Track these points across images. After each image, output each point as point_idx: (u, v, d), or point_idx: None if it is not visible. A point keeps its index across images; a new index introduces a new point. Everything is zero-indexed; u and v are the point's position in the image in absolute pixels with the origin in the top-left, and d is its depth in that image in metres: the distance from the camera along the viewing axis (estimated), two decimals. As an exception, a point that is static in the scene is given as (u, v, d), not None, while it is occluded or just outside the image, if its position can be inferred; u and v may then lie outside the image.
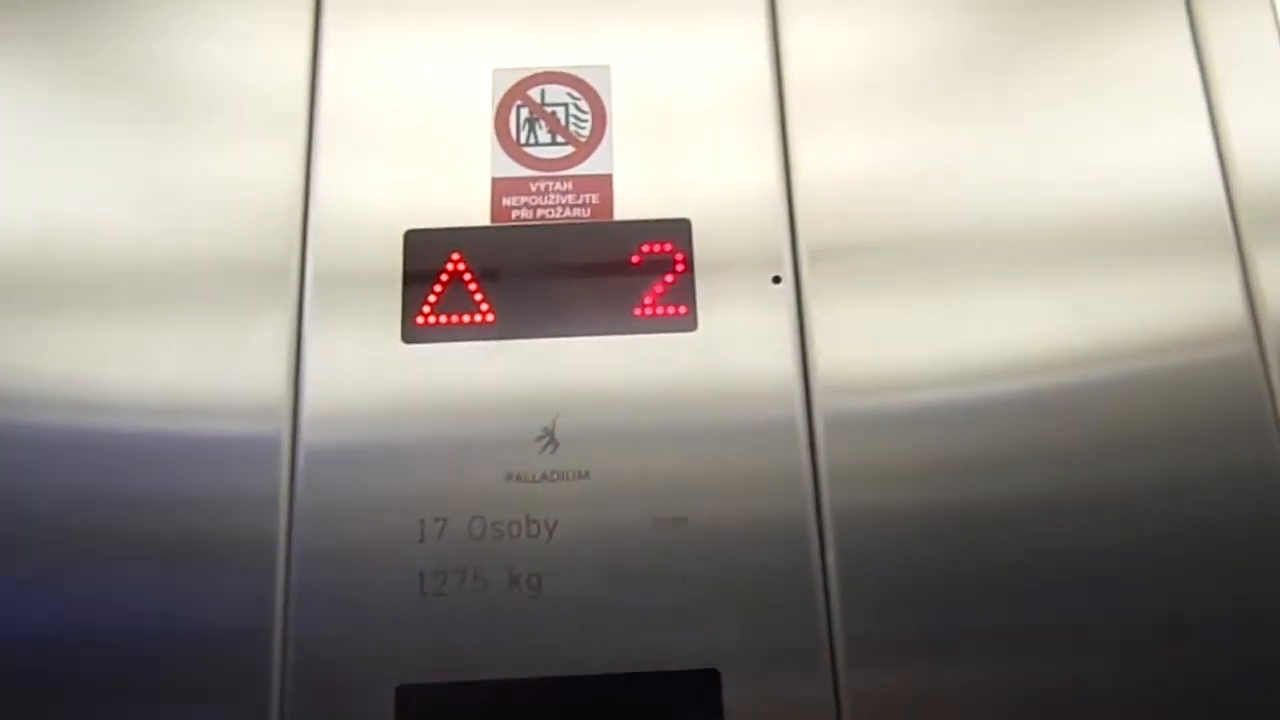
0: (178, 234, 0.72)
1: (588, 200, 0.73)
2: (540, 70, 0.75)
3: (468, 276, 0.71)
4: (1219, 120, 0.76)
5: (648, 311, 0.70)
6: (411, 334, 0.70)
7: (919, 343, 0.70)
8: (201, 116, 0.74)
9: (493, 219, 0.72)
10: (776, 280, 0.71)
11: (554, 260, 0.71)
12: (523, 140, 0.74)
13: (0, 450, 0.67)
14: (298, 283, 0.71)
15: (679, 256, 0.71)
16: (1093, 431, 0.69)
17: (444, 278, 0.71)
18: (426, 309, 0.70)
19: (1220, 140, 0.75)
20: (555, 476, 0.67)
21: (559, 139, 0.74)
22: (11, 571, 0.65)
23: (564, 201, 0.72)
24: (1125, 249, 0.73)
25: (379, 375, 0.69)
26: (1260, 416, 0.69)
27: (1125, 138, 0.75)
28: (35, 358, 0.69)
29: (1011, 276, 0.72)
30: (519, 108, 0.75)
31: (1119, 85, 0.77)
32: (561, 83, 0.75)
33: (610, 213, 0.72)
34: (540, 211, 0.72)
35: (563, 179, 0.73)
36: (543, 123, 0.74)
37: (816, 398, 0.69)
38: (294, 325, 0.70)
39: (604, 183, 0.73)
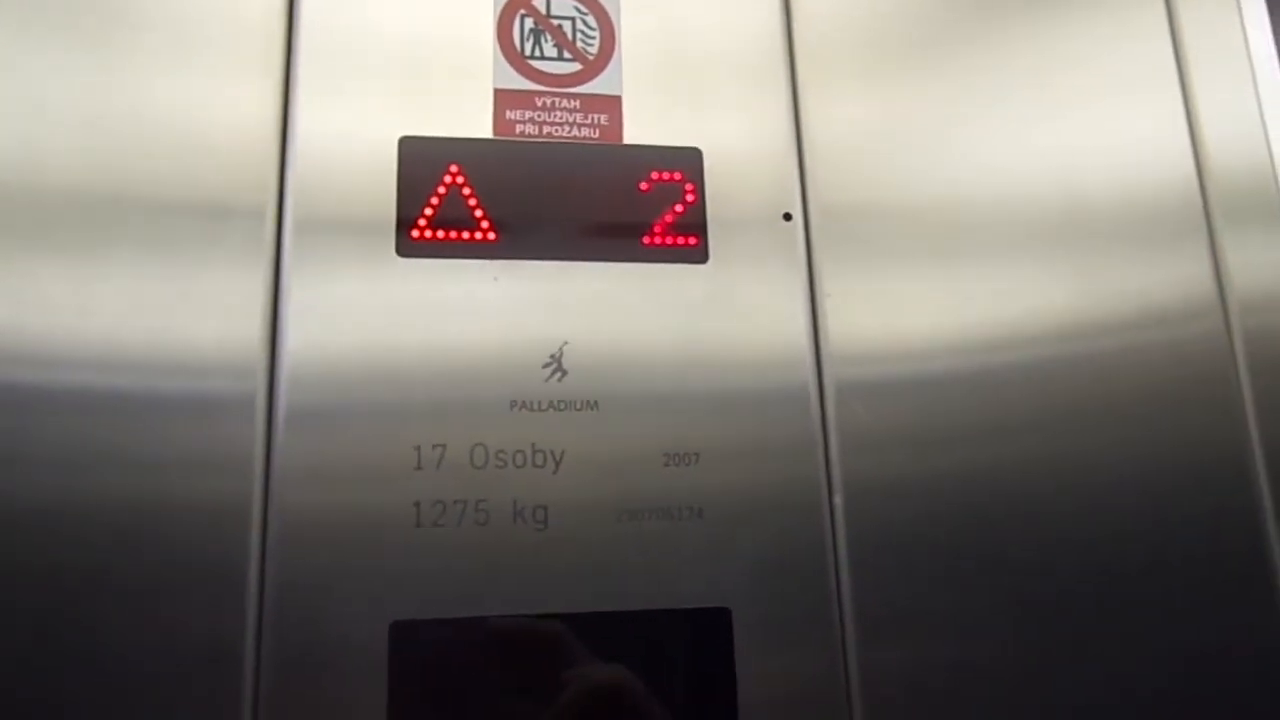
0: (126, 167, 0.63)
1: (596, 120, 0.69)
2: (546, -20, 0.71)
3: (467, 190, 0.66)
4: (1192, 102, 0.79)
5: (658, 240, 0.67)
6: (407, 248, 0.64)
7: (923, 305, 0.70)
8: (163, 39, 0.66)
9: (495, 132, 0.68)
10: (788, 218, 0.70)
11: (560, 180, 0.67)
12: (527, 52, 0.69)
13: None
14: (275, 215, 0.64)
15: (689, 186, 0.69)
16: (1083, 401, 0.70)
17: (441, 190, 0.66)
18: (423, 222, 0.65)
19: (1193, 122, 0.79)
20: (563, 406, 0.63)
21: (566, 54, 0.70)
22: None
23: (571, 120, 0.69)
24: (1109, 224, 0.75)
25: (372, 300, 0.63)
26: (1225, 390, 0.73)
27: (1108, 115, 0.77)
28: None
29: (1008, 245, 0.73)
30: (523, 17, 0.70)
31: (1102, 63, 0.79)
32: (568, -5, 0.71)
33: (620, 136, 0.69)
34: (546, 129, 0.68)
35: (570, 96, 0.69)
36: (548, 35, 0.70)
37: (825, 340, 0.68)
38: (272, 260, 0.63)
39: (613, 104, 0.69)
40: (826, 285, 0.69)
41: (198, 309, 0.62)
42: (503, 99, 0.68)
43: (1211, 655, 0.67)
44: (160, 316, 0.61)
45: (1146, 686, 0.66)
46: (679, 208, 0.68)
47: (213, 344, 0.61)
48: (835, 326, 0.69)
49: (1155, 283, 0.74)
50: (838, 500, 0.65)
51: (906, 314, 0.70)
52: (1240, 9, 0.83)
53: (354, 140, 0.66)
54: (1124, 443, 0.71)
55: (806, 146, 0.72)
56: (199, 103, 0.65)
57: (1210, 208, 0.77)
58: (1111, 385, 0.71)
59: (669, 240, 0.67)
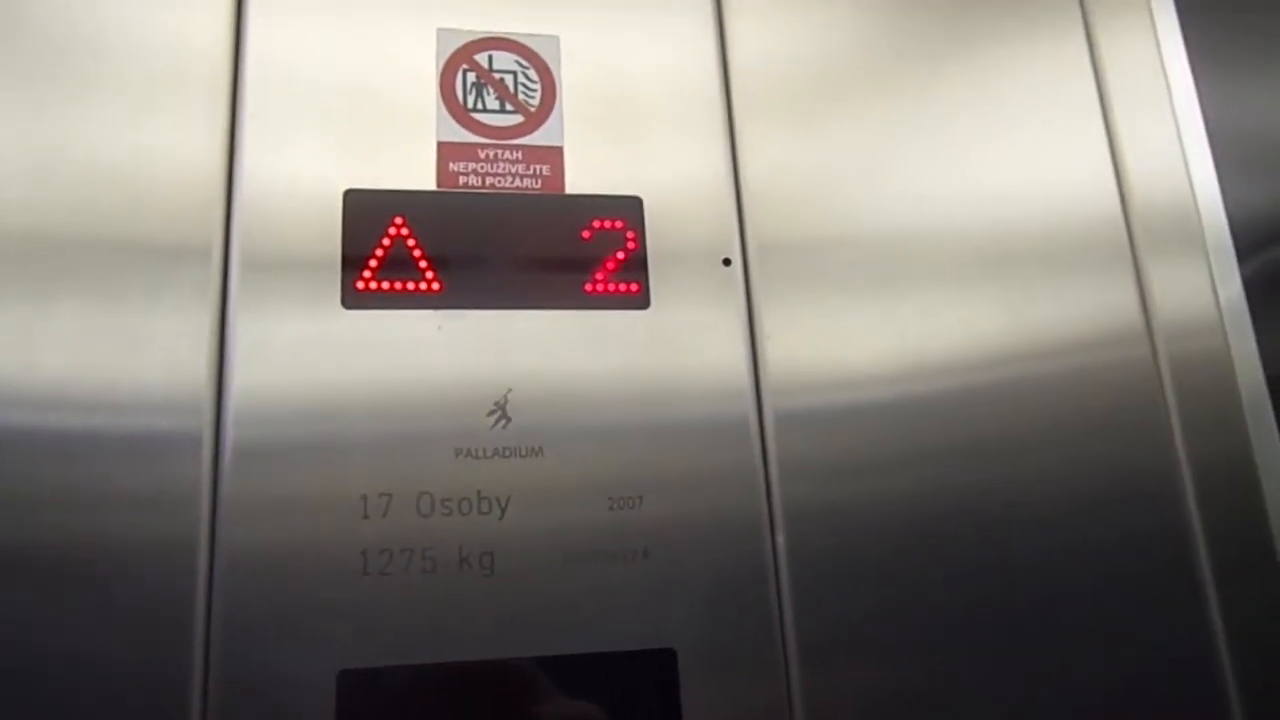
0: (75, 210, 0.64)
1: (538, 171, 0.71)
2: (488, 35, 0.73)
3: (411, 242, 0.67)
4: (1115, 137, 0.82)
5: (599, 288, 0.69)
6: (352, 299, 0.65)
7: (861, 336, 0.72)
8: (105, 83, 0.67)
9: (439, 184, 0.69)
10: (727, 263, 0.71)
11: (504, 230, 0.69)
12: (470, 105, 0.71)
13: None
14: (221, 258, 0.65)
15: (630, 234, 0.70)
16: (1017, 426, 0.73)
17: (386, 242, 0.67)
18: (368, 273, 0.66)
19: (1117, 156, 0.82)
20: (507, 453, 0.65)
21: (508, 106, 0.72)
22: None
23: (514, 171, 0.70)
24: (1037, 255, 0.78)
25: (318, 345, 0.64)
26: (1153, 413, 0.76)
27: (1035, 150, 0.80)
28: None
29: (944, 276, 0.75)
30: (465, 71, 0.72)
31: (1031, 99, 0.82)
32: (510, 50, 0.73)
33: (561, 186, 0.71)
34: (489, 180, 0.70)
35: (512, 148, 0.71)
36: (491, 89, 0.72)
37: (766, 381, 0.70)
38: (218, 302, 0.64)
39: (555, 154, 0.71)
40: (766, 325, 0.71)
41: (145, 348, 0.63)
42: (446, 151, 0.70)
43: (1147, 671, 0.70)
44: (107, 355, 0.62)
45: (1085, 705, 0.68)
46: (620, 255, 0.70)
47: (160, 382, 0.62)
48: (775, 362, 0.70)
49: (1084, 311, 0.77)
50: (780, 538, 0.67)
51: (845, 345, 0.72)
52: (1160, 48, 0.86)
53: (299, 186, 0.67)
54: (1057, 465, 0.73)
55: (744, 188, 0.74)
56: (145, 147, 0.66)
57: (1135, 238, 0.80)
58: (1044, 410, 0.74)
59: (611, 287, 0.69)
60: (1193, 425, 0.75)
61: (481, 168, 0.70)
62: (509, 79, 0.72)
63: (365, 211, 0.67)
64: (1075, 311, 0.77)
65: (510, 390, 0.66)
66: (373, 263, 0.66)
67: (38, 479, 0.59)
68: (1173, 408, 0.76)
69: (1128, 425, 0.75)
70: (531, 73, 0.73)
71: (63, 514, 0.59)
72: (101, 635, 0.58)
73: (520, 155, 0.71)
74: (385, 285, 0.66)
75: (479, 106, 0.71)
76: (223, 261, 0.65)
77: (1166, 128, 0.83)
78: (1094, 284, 0.78)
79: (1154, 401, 0.76)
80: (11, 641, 0.57)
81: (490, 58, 0.72)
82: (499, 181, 0.70)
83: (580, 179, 0.71)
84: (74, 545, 0.59)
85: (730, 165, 0.74)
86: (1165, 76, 0.85)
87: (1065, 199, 0.80)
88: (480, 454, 0.64)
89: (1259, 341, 0.79)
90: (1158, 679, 0.70)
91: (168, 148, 0.66)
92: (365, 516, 0.62)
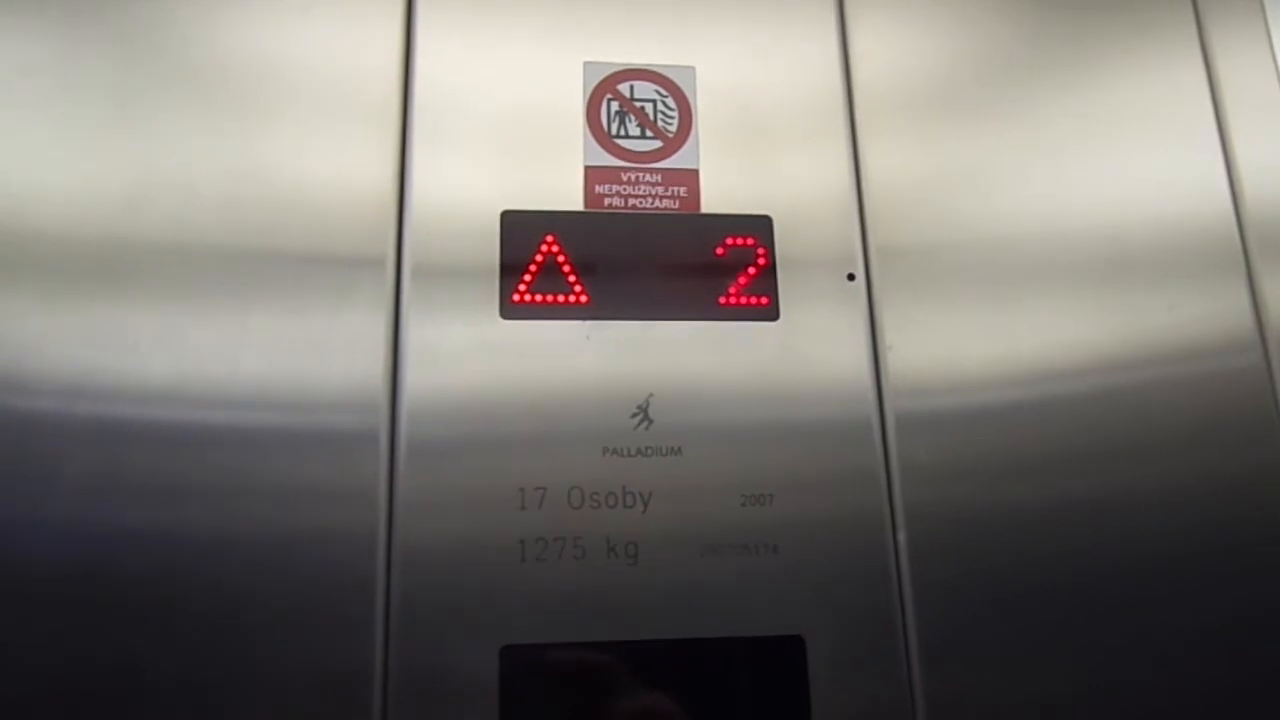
0: (266, 224, 0.72)
1: (676, 193, 0.76)
2: (630, 67, 0.79)
3: (562, 258, 0.74)
4: (1229, 147, 0.84)
5: (732, 301, 0.75)
6: (509, 311, 0.72)
7: (978, 344, 0.76)
8: (293, 108, 0.75)
9: (585, 205, 0.75)
10: (851, 278, 0.76)
11: (645, 247, 0.75)
12: (613, 132, 0.77)
13: (94, 444, 0.66)
14: (394, 272, 0.72)
15: (761, 250, 0.76)
16: (1128, 433, 0.76)
17: (539, 258, 0.74)
18: (523, 287, 0.73)
19: (1230, 166, 0.84)
20: (649, 452, 0.71)
21: (648, 133, 0.78)
22: (105, 559, 0.65)
23: (654, 193, 0.76)
24: (1151, 264, 0.80)
25: (479, 351, 0.71)
26: (1266, 421, 0.78)
27: (1149, 159, 0.83)
28: (122, 350, 0.68)
29: (1058, 285, 0.78)
30: (609, 100, 0.78)
31: (1146, 108, 0.84)
32: (650, 80, 0.79)
33: (697, 205, 0.76)
34: (631, 201, 0.76)
35: (652, 171, 0.77)
36: (632, 117, 0.78)
37: (887, 387, 0.74)
38: (391, 311, 0.71)
39: (691, 177, 0.77)
40: (888, 336, 0.76)
41: (329, 352, 0.70)
42: (592, 175, 0.76)
43: (1262, 678, 0.72)
44: (297, 360, 0.69)
45: (1202, 713, 0.71)
46: (752, 270, 0.75)
47: (342, 384, 0.69)
48: (895, 369, 0.75)
49: (1196, 319, 0.79)
50: (901, 536, 0.71)
51: (962, 352, 0.76)
52: (1275, 57, 0.88)
53: (462, 205, 0.74)
54: (1169, 472, 0.75)
55: (867, 202, 0.79)
56: (325, 168, 0.74)
57: (1248, 247, 0.82)
58: (1156, 417, 0.77)
59: (743, 300, 0.75)
60: (1307, 435, 0.77)
61: (624, 190, 0.76)
62: (649, 107, 0.78)
63: (520, 230, 0.74)
64: (1188, 319, 0.79)
65: (651, 394, 0.72)
66: (527, 277, 0.73)
67: (237, 473, 0.67)
68: (1286, 416, 0.78)
69: (1240, 432, 0.77)
70: (670, 101, 0.78)
71: (257, 506, 0.67)
72: (292, 616, 0.65)
73: (660, 178, 0.77)
74: (539, 298, 0.73)
75: (622, 133, 0.77)
76: (395, 273, 0.72)
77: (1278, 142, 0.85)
78: (1207, 292, 0.80)
79: (1266, 409, 0.78)
80: (207, 619, 0.64)
81: (632, 87, 0.78)
82: (640, 202, 0.76)
83: (714, 199, 0.77)
84: (266, 535, 0.66)
85: (854, 181, 0.79)
86: (1280, 85, 0.87)
87: (1179, 208, 0.82)
88: (625, 453, 0.70)
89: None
90: (1267, 687, 0.72)
91: (346, 168, 0.74)
92: (522, 508, 0.68)
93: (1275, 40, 0.89)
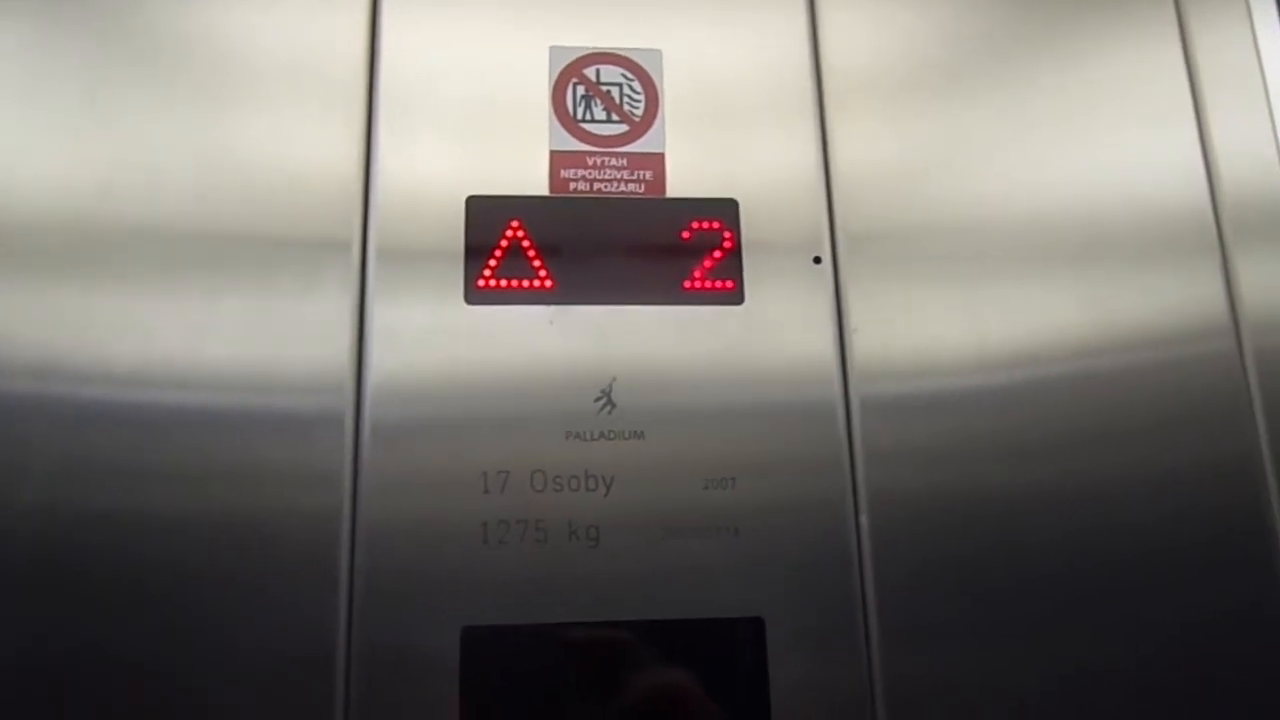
0: (234, 208, 0.73)
1: (641, 177, 0.76)
2: (596, 50, 0.79)
3: (527, 243, 0.74)
4: (1206, 129, 0.84)
5: (697, 285, 0.75)
6: (474, 296, 0.73)
7: (946, 327, 0.76)
8: (260, 94, 0.75)
9: (551, 190, 0.76)
10: (817, 261, 0.76)
11: (610, 232, 0.75)
12: (579, 116, 0.77)
13: (61, 427, 0.67)
14: (360, 256, 0.73)
15: (727, 234, 0.76)
16: (1099, 418, 0.75)
17: (504, 243, 0.74)
18: (487, 272, 0.73)
19: (1207, 149, 0.83)
20: (612, 435, 0.71)
21: (614, 117, 0.78)
22: (71, 541, 0.66)
23: (619, 177, 0.76)
24: (1124, 247, 0.80)
25: (444, 335, 0.71)
26: (1238, 407, 0.77)
27: (1123, 141, 0.82)
28: (90, 334, 0.69)
29: (1029, 269, 0.78)
30: (575, 85, 0.78)
31: (1121, 89, 0.83)
32: (616, 63, 0.79)
33: (663, 190, 0.76)
34: (596, 185, 0.76)
35: (618, 155, 0.77)
36: (598, 101, 0.78)
37: (852, 371, 0.74)
38: (357, 295, 0.72)
39: (657, 161, 0.77)
40: (854, 318, 0.76)
41: (295, 335, 0.71)
42: (558, 159, 0.76)
43: (1226, 667, 0.72)
44: (263, 342, 0.70)
45: (1164, 698, 0.71)
46: (717, 254, 0.75)
47: (307, 366, 0.70)
48: (861, 352, 0.75)
49: (1169, 303, 0.79)
50: (863, 520, 0.71)
51: (930, 336, 0.76)
52: (1255, 37, 0.87)
53: (427, 190, 0.74)
54: (1139, 458, 0.75)
55: (834, 185, 0.78)
56: (293, 152, 0.74)
57: (1223, 231, 0.81)
58: (1126, 403, 0.76)
59: (708, 284, 0.75)
60: (1277, 420, 0.77)
61: (590, 174, 0.76)
62: (615, 91, 0.78)
63: (485, 215, 0.74)
64: (1161, 304, 0.79)
65: (615, 379, 0.72)
66: (492, 262, 0.73)
67: (203, 455, 0.68)
68: (1257, 402, 0.77)
69: (1212, 419, 0.76)
70: (636, 85, 0.78)
71: (224, 487, 0.68)
72: (256, 596, 0.66)
73: (625, 162, 0.77)
74: (503, 282, 0.73)
75: (588, 117, 0.77)
76: (361, 257, 0.73)
77: (1260, 119, 0.84)
78: (1180, 277, 0.79)
79: (1238, 395, 0.77)
80: (173, 599, 0.66)
81: (598, 71, 0.78)
82: (606, 187, 0.76)
83: (681, 182, 0.77)
84: (231, 516, 0.67)
85: (821, 163, 0.79)
86: (1260, 67, 0.86)
87: (1153, 191, 0.81)
88: (588, 436, 0.71)
89: (1348, 336, 0.80)
90: (1237, 675, 0.72)
91: (312, 153, 0.74)
92: (485, 491, 0.69)
93: (1255, 15, 0.88)
